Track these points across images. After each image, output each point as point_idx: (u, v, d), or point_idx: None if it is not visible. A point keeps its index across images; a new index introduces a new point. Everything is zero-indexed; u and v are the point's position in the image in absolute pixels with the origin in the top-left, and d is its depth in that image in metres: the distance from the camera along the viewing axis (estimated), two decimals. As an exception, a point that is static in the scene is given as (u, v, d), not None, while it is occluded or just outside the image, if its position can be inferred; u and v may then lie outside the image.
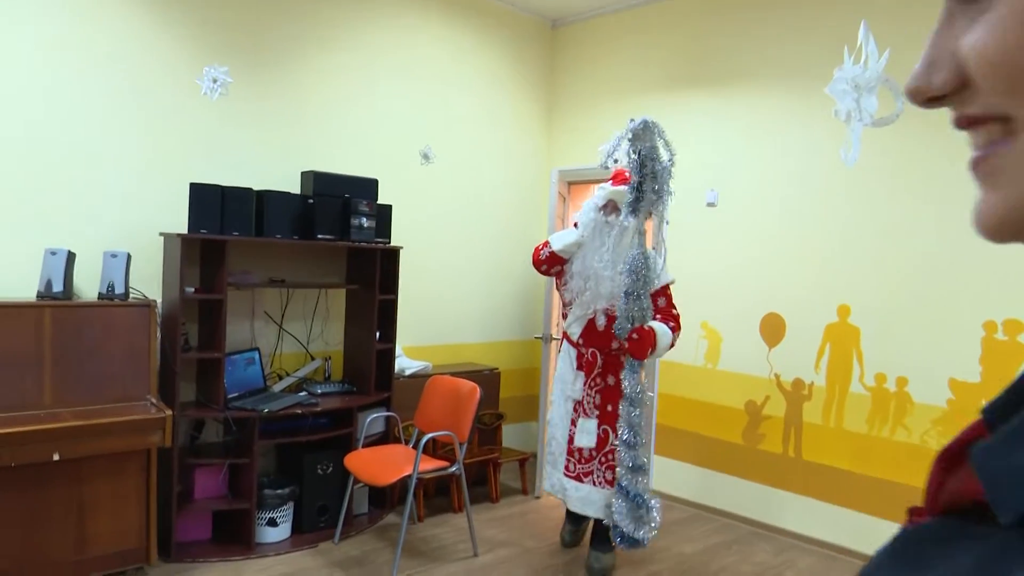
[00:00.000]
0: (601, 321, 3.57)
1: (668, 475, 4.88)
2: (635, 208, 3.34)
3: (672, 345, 3.53)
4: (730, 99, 4.59)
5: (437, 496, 4.72)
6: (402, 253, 4.71)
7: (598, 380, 3.62)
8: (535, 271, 3.90)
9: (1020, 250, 3.48)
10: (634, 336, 3.36)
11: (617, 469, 3.45)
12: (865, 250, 4.00)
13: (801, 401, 4.24)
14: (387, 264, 4.36)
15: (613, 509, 3.41)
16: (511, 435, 5.42)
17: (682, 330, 3.62)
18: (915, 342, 3.81)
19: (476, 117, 5.23)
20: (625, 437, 3.40)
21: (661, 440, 4.93)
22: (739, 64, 4.55)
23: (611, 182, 3.68)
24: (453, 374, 4.26)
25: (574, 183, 5.27)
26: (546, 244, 3.71)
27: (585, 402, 3.63)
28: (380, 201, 4.43)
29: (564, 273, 3.67)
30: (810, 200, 4.22)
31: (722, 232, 4.63)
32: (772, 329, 4.38)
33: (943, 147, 3.72)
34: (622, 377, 3.46)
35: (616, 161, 3.39)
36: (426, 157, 4.90)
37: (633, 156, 3.33)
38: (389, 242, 4.32)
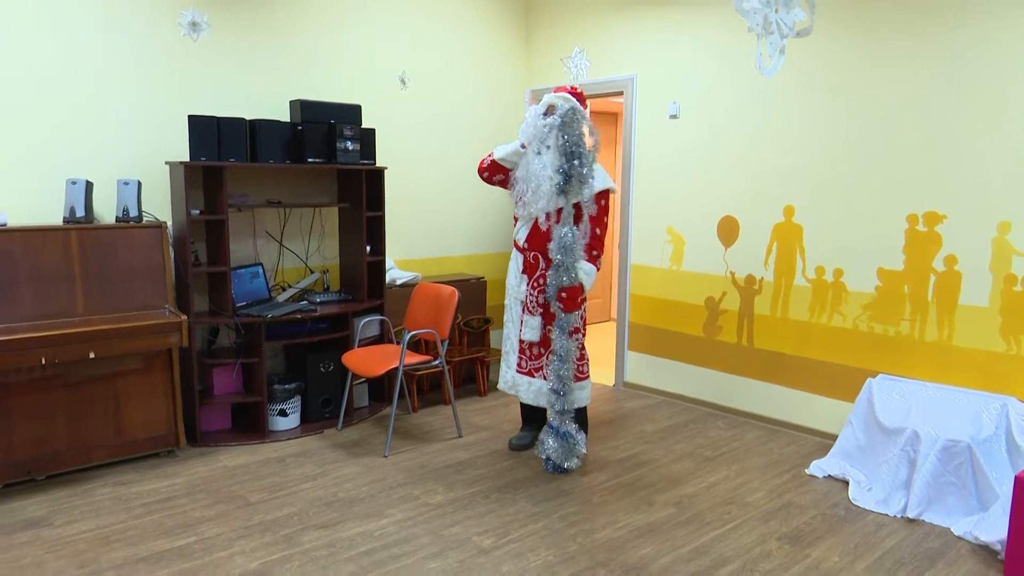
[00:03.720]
0: (543, 222, 3.92)
1: (638, 367, 5.39)
2: (564, 190, 3.68)
3: (598, 270, 3.90)
4: (692, 17, 4.84)
5: (431, 392, 5.29)
6: (388, 173, 5.14)
7: (540, 281, 4.00)
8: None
9: (938, 149, 3.82)
10: (563, 295, 3.76)
11: (548, 411, 3.91)
12: (807, 155, 4.34)
13: (753, 295, 4.67)
14: (373, 184, 4.78)
15: (545, 445, 3.87)
16: (498, 338, 5.94)
17: (604, 250, 3.95)
18: (849, 237, 4.19)
19: (450, 41, 5.53)
20: (554, 386, 3.85)
21: (633, 337, 5.41)
22: (697, -20, 4.78)
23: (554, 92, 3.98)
24: (442, 283, 4.72)
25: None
26: (490, 155, 4.07)
27: (528, 301, 4.03)
28: (364, 125, 4.82)
29: (509, 181, 4.02)
30: (760, 111, 4.53)
31: (684, 142, 4.97)
32: (728, 231, 4.77)
33: (869, 59, 4.00)
34: (552, 336, 3.88)
35: (549, 147, 3.73)
36: (403, 82, 5.24)
37: (561, 142, 3.65)
38: (374, 163, 4.72)
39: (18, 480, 3.59)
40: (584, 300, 4.06)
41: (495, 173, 4.07)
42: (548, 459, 3.89)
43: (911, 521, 3.37)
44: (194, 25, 4.08)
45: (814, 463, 3.95)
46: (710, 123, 4.80)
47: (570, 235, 3.73)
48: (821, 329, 4.35)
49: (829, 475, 3.84)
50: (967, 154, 3.73)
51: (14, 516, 3.30)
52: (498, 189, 5.95)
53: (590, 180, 3.71)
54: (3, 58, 3.70)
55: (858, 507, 3.52)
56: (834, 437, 4.25)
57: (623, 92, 5.32)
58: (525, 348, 4.09)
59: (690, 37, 4.86)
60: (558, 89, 3.93)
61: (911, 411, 3.63)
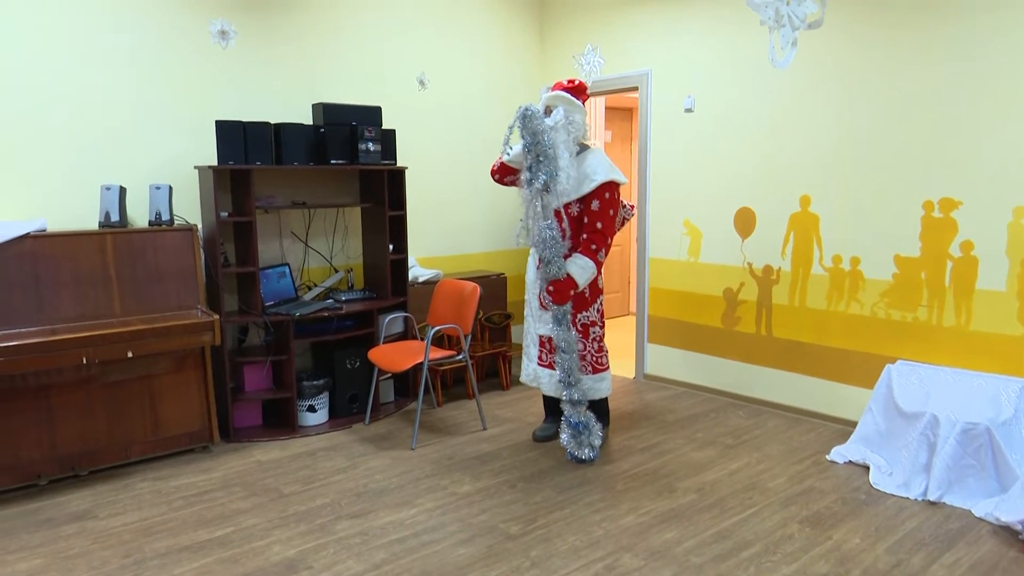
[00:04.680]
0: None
1: (659, 360, 5.46)
2: (532, 184, 3.72)
3: (598, 264, 3.91)
4: (705, 11, 4.89)
5: (455, 386, 5.39)
6: (408, 173, 5.24)
7: None
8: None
9: (953, 134, 3.85)
10: (550, 288, 3.83)
11: (562, 404, 3.99)
12: (821, 145, 4.38)
13: (770, 285, 4.72)
14: (394, 183, 4.88)
15: (561, 436, 3.97)
16: (519, 332, 6.03)
17: (608, 244, 3.94)
18: (865, 224, 4.23)
19: (467, 42, 5.62)
20: (560, 378, 3.93)
21: (653, 329, 5.48)
22: (710, -26, 4.83)
23: (552, 88, 4.04)
24: (463, 280, 4.81)
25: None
26: (501, 157, 4.14)
27: (542, 297, 4.10)
28: (384, 126, 4.92)
29: (519, 182, 4.09)
30: (774, 103, 4.58)
31: (699, 135, 5.02)
32: (744, 222, 4.83)
33: (882, 47, 4.04)
34: (550, 330, 3.95)
35: (512, 149, 3.84)
36: (422, 83, 5.34)
37: (526, 138, 3.69)
38: (395, 163, 4.83)
39: (63, 476, 3.74)
40: (601, 292, 4.13)
41: (506, 175, 4.15)
42: (566, 448, 3.97)
43: (932, 504, 3.42)
44: (223, 34, 4.20)
45: (835, 449, 4.00)
46: (725, 116, 4.86)
47: (547, 231, 3.78)
48: (839, 317, 4.40)
49: (850, 461, 3.89)
50: (982, 140, 3.76)
51: (61, 510, 3.45)
52: (515, 188, 6.03)
53: (556, 173, 3.71)
54: (40, 72, 3.84)
55: (879, 491, 3.57)
56: (854, 424, 4.29)
57: (638, 87, 5.38)
58: (544, 341, 4.17)
59: (704, 31, 4.92)
60: (556, 86, 4.00)
61: (930, 395, 3.67)
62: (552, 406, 4.42)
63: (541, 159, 3.70)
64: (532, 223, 3.83)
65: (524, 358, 4.31)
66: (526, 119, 3.68)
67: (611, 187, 3.91)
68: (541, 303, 4.11)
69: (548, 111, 3.91)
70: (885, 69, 4.07)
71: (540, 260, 3.89)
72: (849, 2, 4.16)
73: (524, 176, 3.78)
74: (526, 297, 4.31)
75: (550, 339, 4.13)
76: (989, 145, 3.73)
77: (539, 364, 4.21)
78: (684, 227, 5.19)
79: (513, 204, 6.01)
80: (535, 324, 4.21)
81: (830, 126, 4.33)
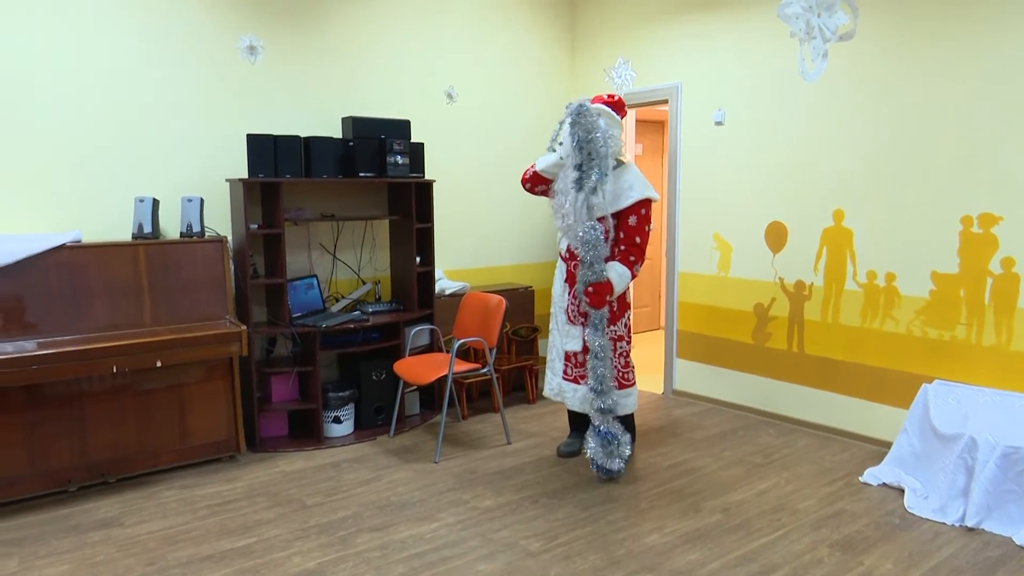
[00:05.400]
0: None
1: (688, 375, 5.37)
2: (580, 185, 3.69)
3: (634, 276, 3.91)
4: (735, 24, 4.84)
5: (480, 399, 5.37)
6: (436, 186, 5.26)
7: None
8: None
9: (993, 149, 3.73)
10: (590, 290, 3.79)
11: (591, 412, 3.93)
12: (855, 158, 4.29)
13: (802, 301, 4.62)
14: (422, 196, 4.90)
15: (589, 446, 3.89)
16: (546, 346, 5.97)
17: (645, 258, 3.95)
18: (901, 240, 4.12)
19: (497, 56, 5.64)
20: (592, 385, 3.86)
21: (682, 344, 5.40)
22: (741, -14, 4.79)
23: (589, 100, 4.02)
24: (490, 292, 4.80)
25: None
26: (532, 166, 4.13)
27: (570, 311, 4.07)
28: (413, 140, 4.95)
29: (551, 192, 4.08)
30: (806, 115, 4.50)
31: (729, 149, 4.96)
32: (776, 236, 4.74)
33: (916, 59, 3.94)
34: (586, 335, 3.89)
35: (561, 143, 3.76)
36: (450, 97, 5.37)
37: (578, 135, 3.65)
38: (423, 176, 4.85)
39: (92, 483, 3.80)
40: (629, 306, 4.08)
41: (537, 184, 4.13)
42: (592, 460, 3.92)
43: (970, 530, 3.29)
44: (251, 49, 4.28)
45: (868, 471, 3.88)
46: (756, 129, 4.79)
47: (592, 232, 3.74)
48: (873, 334, 4.28)
49: (884, 483, 3.77)
50: (1023, 154, 3.63)
51: (89, 516, 3.50)
52: (545, 199, 6.02)
53: (607, 172, 3.69)
54: (75, 87, 3.95)
55: (914, 515, 3.45)
56: (888, 445, 4.17)
57: (668, 100, 5.34)
58: (570, 355, 4.13)
59: (734, 44, 4.86)
60: (596, 99, 3.98)
61: (968, 417, 3.54)
62: (577, 421, 4.37)
63: (593, 157, 3.67)
64: (575, 224, 3.78)
65: (548, 372, 4.28)
66: (579, 115, 3.65)
67: (647, 204, 3.92)
68: (568, 317, 4.08)
69: None
70: (920, 81, 3.97)
71: (579, 262, 3.85)
72: (882, 13, 4.08)
73: (572, 176, 3.73)
74: (552, 311, 4.28)
75: (576, 353, 4.09)
76: (1031, 158, 3.61)
77: (564, 378, 4.17)
78: (714, 241, 5.11)
79: (543, 217, 5.99)
80: (561, 338, 4.17)
81: (863, 139, 4.24)
